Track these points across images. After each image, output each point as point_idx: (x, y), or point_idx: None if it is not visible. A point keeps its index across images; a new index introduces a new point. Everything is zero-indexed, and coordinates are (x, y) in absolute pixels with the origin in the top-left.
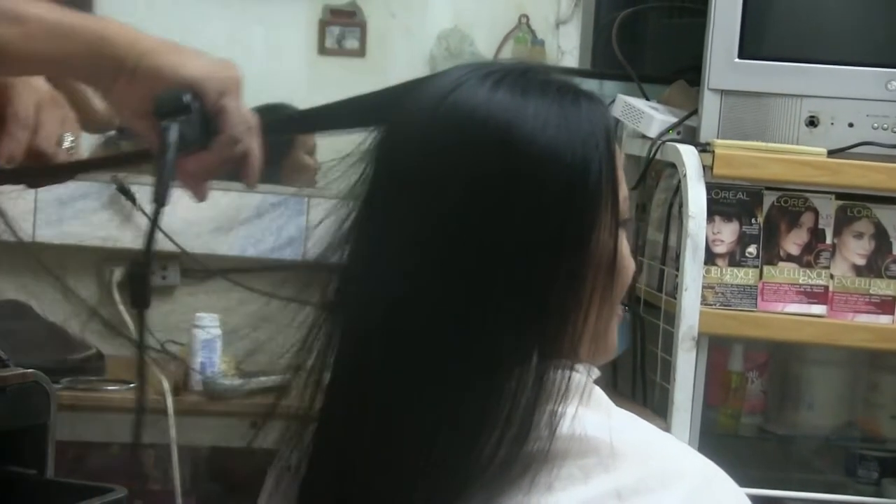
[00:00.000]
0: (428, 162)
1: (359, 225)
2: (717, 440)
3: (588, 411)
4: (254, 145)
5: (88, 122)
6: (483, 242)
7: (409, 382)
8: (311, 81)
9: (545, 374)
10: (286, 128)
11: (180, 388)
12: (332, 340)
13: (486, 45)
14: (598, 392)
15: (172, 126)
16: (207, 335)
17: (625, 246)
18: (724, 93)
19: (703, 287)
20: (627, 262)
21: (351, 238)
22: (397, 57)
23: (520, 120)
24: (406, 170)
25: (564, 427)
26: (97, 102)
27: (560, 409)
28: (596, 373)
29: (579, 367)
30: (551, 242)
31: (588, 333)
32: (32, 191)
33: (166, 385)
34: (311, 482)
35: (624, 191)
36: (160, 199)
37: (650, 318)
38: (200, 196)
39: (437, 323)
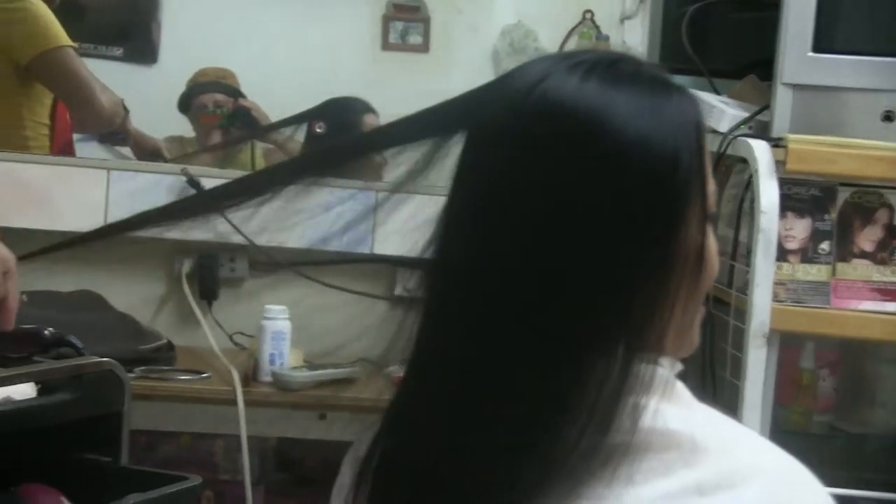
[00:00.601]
0: (516, 152)
1: (443, 217)
2: (787, 438)
3: (670, 405)
4: (10, 290)
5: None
6: (573, 232)
7: (493, 372)
8: (374, 77)
9: (630, 366)
10: (368, 146)
11: (249, 379)
12: (411, 332)
13: (550, 40)
14: (680, 386)
15: None
16: (276, 327)
17: (712, 240)
18: (796, 87)
19: (775, 284)
20: (714, 257)
21: (436, 231)
22: (461, 52)
23: (611, 110)
24: (494, 161)
25: (646, 420)
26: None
27: (643, 402)
28: (679, 367)
29: (663, 360)
30: (640, 233)
31: (674, 327)
32: (105, 182)
33: (236, 376)
34: (389, 473)
35: (711, 185)
36: None
37: (720, 314)
38: None
39: (524, 312)
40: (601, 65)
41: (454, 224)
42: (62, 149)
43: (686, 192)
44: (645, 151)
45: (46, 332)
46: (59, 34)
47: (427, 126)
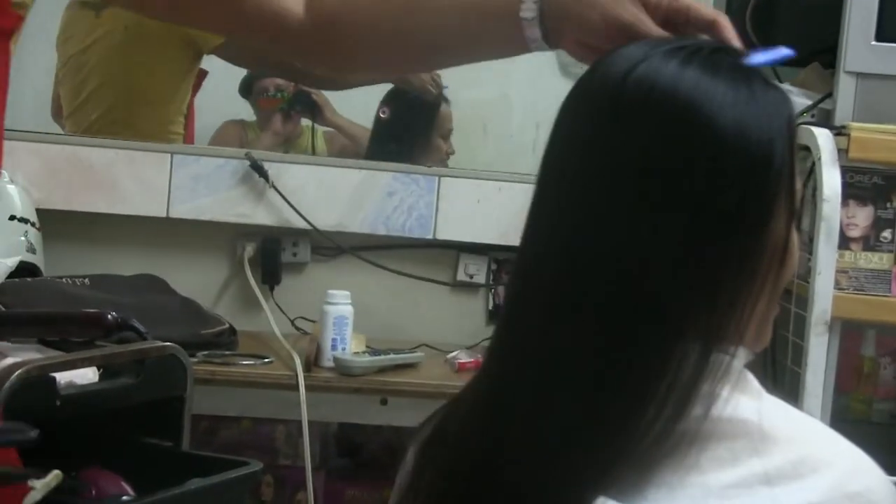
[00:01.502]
0: (611, 135)
1: (533, 201)
2: (848, 426)
3: (741, 395)
4: None
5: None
6: (662, 216)
7: (572, 357)
8: None
9: (708, 355)
10: None
11: (311, 364)
12: (475, 316)
13: None
14: (751, 377)
15: None
16: (339, 312)
17: (794, 236)
18: (860, 75)
19: (837, 271)
20: (795, 253)
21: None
22: None
23: (709, 96)
24: (587, 141)
25: (718, 409)
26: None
27: (716, 391)
28: (749, 357)
29: (736, 351)
30: (730, 222)
31: (755, 320)
32: (168, 166)
33: (298, 361)
34: (457, 457)
35: (798, 182)
36: None
37: (781, 302)
38: None
39: (608, 297)
40: (702, 52)
41: (544, 208)
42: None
43: (778, 184)
44: (741, 140)
45: (109, 316)
46: None
47: None
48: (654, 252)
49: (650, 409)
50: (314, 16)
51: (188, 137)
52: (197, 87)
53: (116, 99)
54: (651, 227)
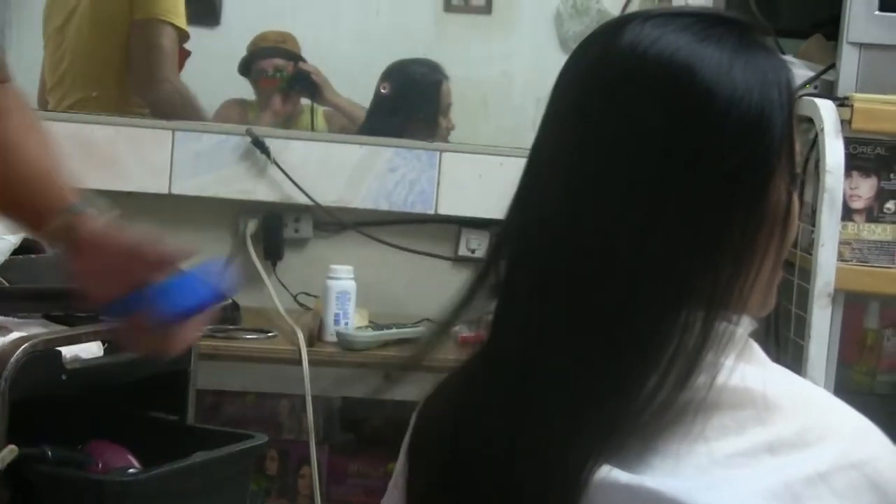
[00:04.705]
0: (607, 101)
1: (528, 170)
2: (851, 398)
3: (746, 364)
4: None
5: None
6: (661, 183)
7: (574, 325)
8: (436, 39)
9: (712, 323)
10: None
11: (314, 339)
12: (476, 290)
13: (613, 1)
14: (755, 346)
15: None
16: (341, 287)
17: (795, 201)
18: (863, 46)
19: (840, 243)
20: (795, 218)
21: (521, 183)
22: (523, 14)
23: (706, 62)
24: (583, 109)
25: (722, 377)
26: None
27: (720, 360)
28: (753, 325)
29: (741, 319)
30: (730, 187)
31: (759, 286)
32: (170, 142)
33: (301, 336)
34: (460, 429)
35: (798, 145)
36: None
37: (784, 274)
38: None
39: (608, 262)
40: (700, 21)
41: (541, 176)
42: None
43: (777, 146)
44: (740, 105)
45: None
46: (171, 9)
47: None
48: (655, 219)
49: (654, 378)
50: None
51: None
52: (179, 67)
53: (85, 78)
54: (650, 195)
